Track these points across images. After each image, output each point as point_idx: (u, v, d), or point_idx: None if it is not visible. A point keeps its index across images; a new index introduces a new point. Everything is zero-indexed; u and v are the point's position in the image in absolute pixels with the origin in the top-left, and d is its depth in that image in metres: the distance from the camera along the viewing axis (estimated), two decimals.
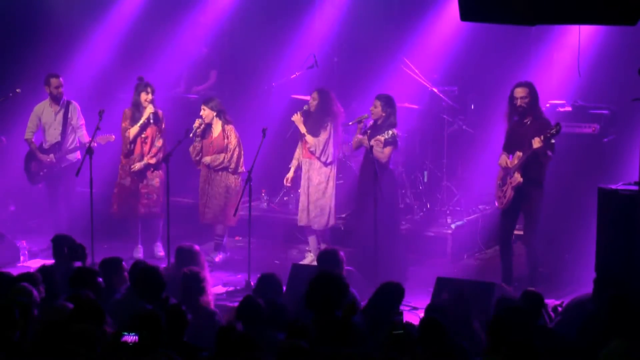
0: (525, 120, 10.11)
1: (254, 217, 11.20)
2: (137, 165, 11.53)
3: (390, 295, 7.98)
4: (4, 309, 6.82)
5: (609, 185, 9.38)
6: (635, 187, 9.15)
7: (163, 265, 10.07)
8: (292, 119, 11.20)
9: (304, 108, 11.19)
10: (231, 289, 10.53)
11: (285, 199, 12.75)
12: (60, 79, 11.95)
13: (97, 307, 7.10)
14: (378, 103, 10.81)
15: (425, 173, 12.68)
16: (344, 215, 11.57)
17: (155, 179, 11.59)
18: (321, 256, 9.35)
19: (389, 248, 10.62)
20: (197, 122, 11.32)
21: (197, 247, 9.36)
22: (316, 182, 11.23)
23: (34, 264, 10.27)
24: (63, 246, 9.32)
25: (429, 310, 7.82)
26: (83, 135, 11.90)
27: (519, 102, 10.09)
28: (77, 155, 11.98)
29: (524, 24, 8.55)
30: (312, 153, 11.17)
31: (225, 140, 11.34)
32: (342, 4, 13.59)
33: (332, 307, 7.42)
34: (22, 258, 11.63)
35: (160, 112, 11.60)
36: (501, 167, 10.24)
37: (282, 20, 13.79)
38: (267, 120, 11.56)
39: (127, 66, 13.76)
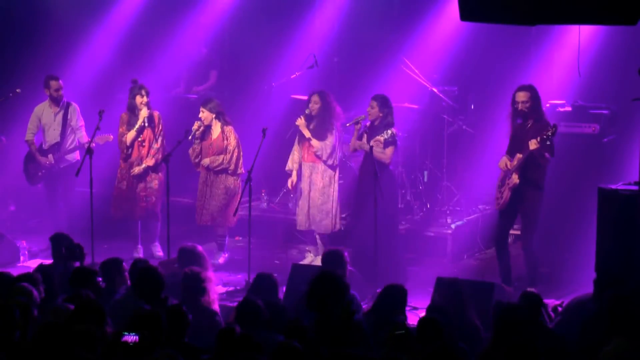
0: (527, 123, 10.11)
1: (254, 217, 11.20)
2: (137, 170, 11.51)
3: (394, 297, 7.98)
4: (4, 309, 6.82)
5: (609, 185, 9.39)
6: (635, 187, 9.16)
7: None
8: (297, 123, 11.11)
9: (306, 112, 11.13)
10: (231, 289, 10.54)
11: (289, 196, 12.65)
12: (60, 81, 11.94)
13: (98, 307, 7.10)
14: (374, 104, 10.79)
15: (425, 173, 12.68)
16: (343, 216, 11.57)
17: (154, 180, 11.57)
18: (326, 256, 9.34)
19: (389, 248, 10.62)
20: (195, 125, 11.28)
21: (199, 247, 9.36)
22: (321, 186, 11.20)
23: (34, 264, 10.26)
24: (61, 246, 9.32)
25: (429, 310, 7.82)
26: (82, 137, 11.90)
27: (520, 107, 10.08)
28: (76, 155, 11.99)
29: (524, 24, 8.54)
30: (319, 157, 11.13)
31: (225, 142, 11.32)
32: (342, 4, 13.59)
33: (332, 307, 7.42)
34: (22, 258, 11.63)
35: (156, 114, 11.56)
36: (501, 169, 10.24)
37: (282, 20, 13.78)
38: (267, 120, 11.56)
39: (127, 66, 13.77)
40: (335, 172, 11.24)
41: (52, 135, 11.97)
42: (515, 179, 10.04)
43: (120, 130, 11.55)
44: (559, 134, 10.06)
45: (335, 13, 13.62)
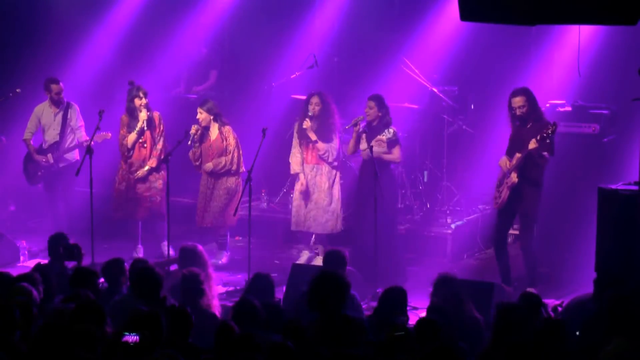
0: (527, 125, 10.10)
1: (254, 217, 11.19)
2: (141, 172, 11.48)
3: (394, 300, 7.97)
4: (4, 309, 6.82)
5: (609, 185, 9.39)
6: (635, 187, 9.16)
7: (173, 266, 10.07)
8: (304, 126, 11.03)
9: (309, 114, 11.11)
10: (231, 289, 10.53)
11: (289, 196, 12.63)
12: (61, 84, 11.92)
13: (98, 307, 7.10)
14: (372, 104, 10.78)
15: (425, 173, 12.68)
16: (343, 216, 11.57)
17: (159, 180, 11.53)
18: (327, 256, 9.32)
19: (389, 248, 10.62)
20: (193, 129, 11.22)
21: (200, 247, 9.34)
22: (326, 187, 11.21)
23: (34, 264, 10.27)
24: (58, 245, 9.31)
25: (429, 311, 7.82)
26: (82, 136, 11.89)
27: (518, 112, 10.08)
28: (76, 155, 11.98)
29: (524, 24, 8.54)
30: (324, 159, 11.13)
31: (224, 142, 11.31)
32: (342, 4, 13.59)
33: (334, 307, 7.41)
34: (22, 258, 11.63)
35: (156, 114, 11.53)
36: (501, 167, 10.24)
37: (282, 20, 13.78)
38: (267, 120, 11.56)
39: (127, 66, 13.78)
40: (337, 173, 11.25)
41: (52, 135, 11.96)
42: (514, 178, 10.04)
43: (121, 132, 11.53)
44: (559, 133, 10.06)
45: (335, 13, 13.62)
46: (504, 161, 10.21)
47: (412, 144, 12.43)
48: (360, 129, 10.74)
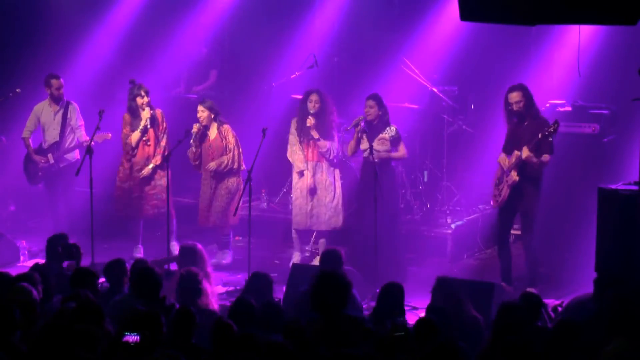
0: (524, 122, 10.11)
1: (254, 217, 11.19)
2: (146, 171, 11.49)
3: (392, 296, 7.97)
4: (3, 309, 6.81)
5: (609, 185, 9.39)
6: (635, 187, 9.16)
7: (174, 266, 10.07)
8: (308, 124, 11.04)
9: (311, 112, 11.10)
10: (231, 288, 10.54)
11: (289, 196, 12.63)
12: (61, 80, 11.94)
13: (97, 307, 7.10)
14: (372, 103, 10.79)
15: (425, 173, 12.68)
16: (344, 214, 11.56)
17: (163, 178, 11.51)
18: (324, 256, 9.33)
19: (389, 248, 10.62)
20: (195, 127, 11.25)
21: (199, 246, 9.35)
22: (327, 184, 11.23)
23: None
24: (57, 245, 9.31)
25: (428, 311, 7.82)
26: (82, 136, 11.89)
27: (514, 107, 10.10)
28: (76, 155, 11.98)
29: (524, 24, 8.54)
30: (326, 156, 11.14)
31: (224, 141, 11.31)
32: (342, 4, 13.58)
33: (335, 306, 7.41)
34: (21, 258, 11.64)
35: (159, 112, 11.57)
36: (500, 164, 10.24)
37: (282, 20, 13.78)
38: (267, 120, 11.55)
39: (127, 66, 13.76)
40: (336, 169, 11.27)
41: (52, 135, 11.96)
42: (514, 176, 10.05)
43: (124, 131, 11.54)
44: (559, 133, 10.06)
45: (335, 13, 13.61)
46: (504, 159, 10.21)
47: (412, 144, 12.41)
48: (361, 129, 10.75)
